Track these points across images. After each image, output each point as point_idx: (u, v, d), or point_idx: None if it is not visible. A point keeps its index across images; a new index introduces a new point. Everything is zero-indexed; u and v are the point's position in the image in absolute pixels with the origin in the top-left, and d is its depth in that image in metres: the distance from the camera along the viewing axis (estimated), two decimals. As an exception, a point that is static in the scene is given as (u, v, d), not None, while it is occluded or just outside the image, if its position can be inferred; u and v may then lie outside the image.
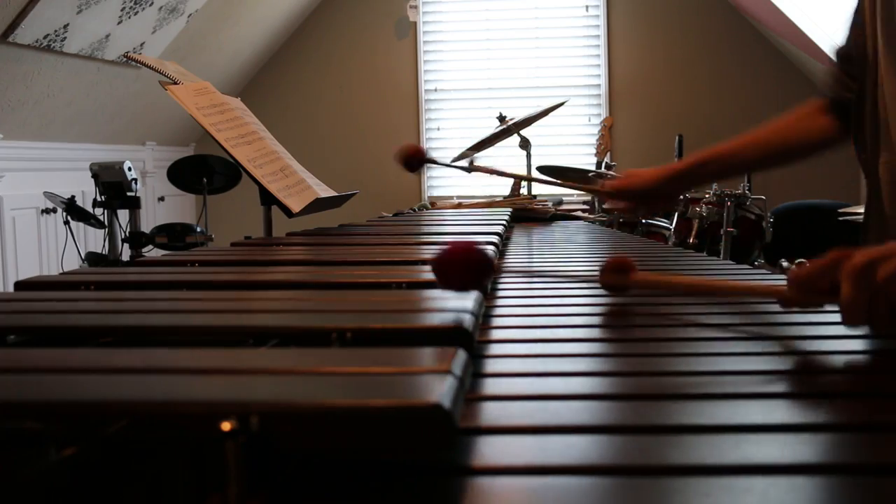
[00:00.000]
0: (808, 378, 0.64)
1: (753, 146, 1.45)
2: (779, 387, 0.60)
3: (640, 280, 0.88)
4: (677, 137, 3.82)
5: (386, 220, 2.22)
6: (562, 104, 3.59)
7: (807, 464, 0.44)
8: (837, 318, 0.71)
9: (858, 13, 1.24)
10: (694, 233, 3.29)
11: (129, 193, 3.27)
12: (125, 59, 3.68)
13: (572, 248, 1.57)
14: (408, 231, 1.78)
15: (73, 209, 3.29)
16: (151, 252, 3.44)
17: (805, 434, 0.48)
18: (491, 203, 2.80)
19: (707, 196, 3.30)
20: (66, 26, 3.18)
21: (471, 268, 0.74)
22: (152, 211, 4.57)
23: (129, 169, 3.25)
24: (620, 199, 1.52)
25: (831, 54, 1.35)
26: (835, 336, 0.78)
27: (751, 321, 0.84)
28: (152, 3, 3.56)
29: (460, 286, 0.75)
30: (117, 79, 3.86)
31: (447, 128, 5.27)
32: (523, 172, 3.38)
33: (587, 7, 5.15)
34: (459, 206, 2.91)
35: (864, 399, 0.57)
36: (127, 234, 3.34)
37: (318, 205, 1.81)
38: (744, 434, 0.47)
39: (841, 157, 1.52)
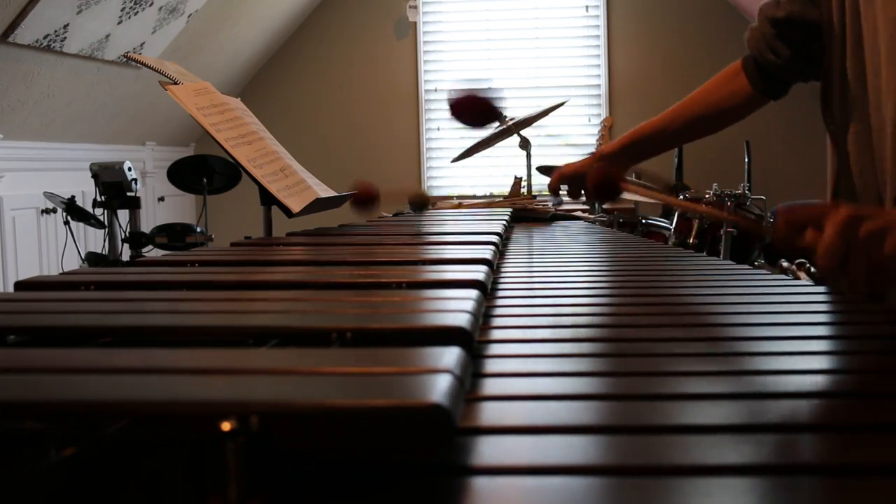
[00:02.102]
0: (808, 378, 0.64)
1: (680, 117, 1.48)
2: (779, 387, 0.60)
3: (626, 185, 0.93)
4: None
5: (386, 220, 2.22)
6: (562, 104, 3.59)
7: (807, 464, 0.44)
8: (838, 318, 0.71)
9: None
10: (694, 233, 3.29)
11: (129, 193, 3.28)
12: (125, 59, 3.68)
13: (572, 249, 1.57)
14: (408, 231, 1.78)
15: (73, 209, 3.29)
16: (151, 252, 3.44)
17: (805, 434, 0.48)
18: (491, 203, 2.80)
19: (707, 196, 3.30)
20: (66, 26, 3.18)
21: (479, 108, 0.78)
22: (152, 211, 4.57)
23: (129, 169, 3.25)
24: (567, 185, 1.56)
25: (760, 13, 1.34)
26: (834, 336, 0.78)
27: (751, 321, 0.84)
28: (152, 3, 3.56)
29: (470, 121, 0.78)
30: (117, 79, 3.86)
31: (447, 128, 5.27)
32: (522, 174, 3.38)
33: (587, 7, 5.15)
34: (459, 206, 2.91)
35: (864, 399, 0.57)
36: (127, 234, 3.34)
37: (318, 205, 1.81)
38: (744, 434, 0.47)
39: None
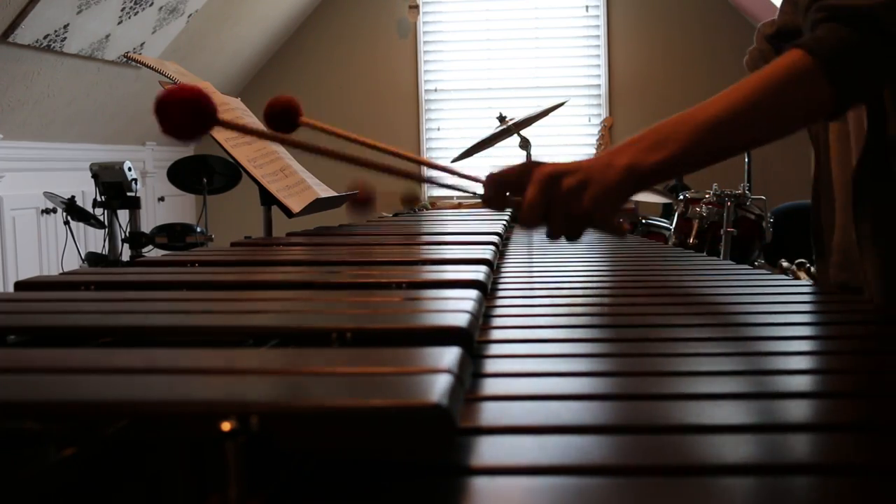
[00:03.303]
0: (808, 378, 0.64)
1: None
2: (779, 387, 0.60)
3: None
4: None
5: (386, 220, 2.22)
6: (562, 104, 3.59)
7: (807, 464, 0.44)
8: (838, 318, 0.71)
9: None
10: (694, 233, 3.29)
11: (129, 193, 3.27)
12: (125, 60, 3.68)
13: (572, 249, 1.57)
14: (408, 231, 1.78)
15: (73, 209, 3.29)
16: (151, 252, 3.44)
17: (805, 434, 0.48)
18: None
19: (707, 196, 3.30)
20: (66, 26, 3.18)
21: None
22: (152, 211, 4.57)
23: (129, 169, 3.25)
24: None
25: (756, 34, 1.35)
26: (834, 336, 0.78)
27: (750, 321, 0.84)
28: (152, 3, 3.56)
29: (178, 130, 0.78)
30: (117, 79, 3.86)
31: (447, 128, 5.27)
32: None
33: (587, 7, 5.15)
34: (459, 206, 2.91)
35: (865, 399, 0.57)
36: (127, 234, 3.34)
37: (318, 205, 1.81)
38: (744, 434, 0.47)
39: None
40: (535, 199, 0.82)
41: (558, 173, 0.82)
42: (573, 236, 0.84)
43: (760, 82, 0.85)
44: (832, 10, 0.85)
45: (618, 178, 0.83)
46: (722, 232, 3.20)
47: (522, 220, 0.83)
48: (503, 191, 0.87)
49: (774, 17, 1.31)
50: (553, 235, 0.84)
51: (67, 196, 3.33)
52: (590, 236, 1.78)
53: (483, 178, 0.90)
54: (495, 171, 0.87)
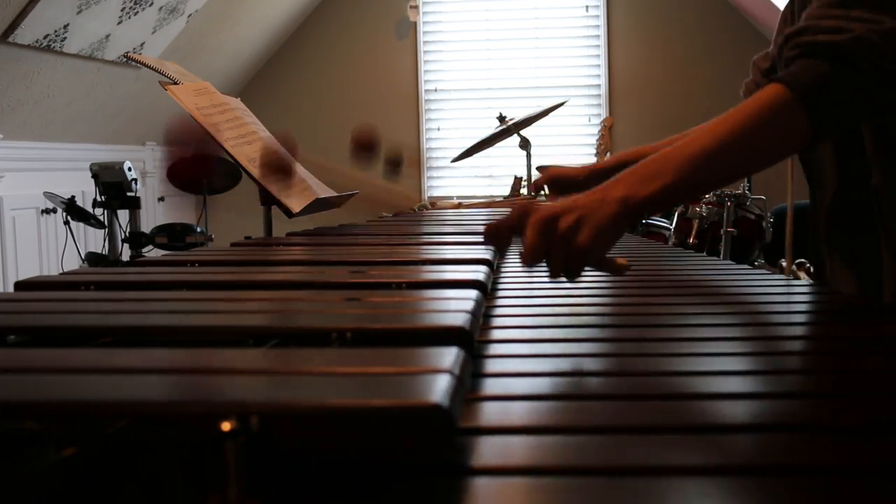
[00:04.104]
0: (808, 378, 0.64)
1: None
2: (779, 386, 0.60)
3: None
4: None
5: (386, 220, 2.22)
6: (562, 104, 3.59)
7: (807, 464, 0.44)
8: (836, 318, 0.71)
9: (784, 21, 1.24)
10: (694, 233, 3.29)
11: (129, 193, 3.27)
12: (125, 59, 3.68)
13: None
14: (408, 231, 1.78)
15: (73, 209, 3.29)
16: (151, 252, 3.44)
17: (805, 434, 0.48)
18: (491, 203, 2.80)
19: (707, 196, 3.30)
20: (66, 26, 3.18)
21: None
22: (152, 211, 4.57)
23: (129, 169, 3.25)
24: (552, 189, 1.59)
25: (752, 66, 1.35)
26: (833, 336, 0.78)
27: (750, 321, 0.84)
28: (152, 3, 3.56)
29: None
30: (117, 79, 3.86)
31: (447, 128, 5.27)
32: (522, 173, 3.38)
33: (587, 7, 5.15)
34: (459, 206, 2.91)
35: (865, 399, 0.57)
36: (127, 234, 3.34)
37: (318, 205, 1.81)
38: (743, 434, 0.47)
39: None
40: (535, 242, 0.84)
41: (554, 215, 0.84)
42: (573, 274, 0.86)
43: (743, 115, 0.90)
44: (807, 46, 0.91)
45: (613, 212, 0.85)
46: (722, 232, 3.20)
47: (525, 261, 0.85)
48: (504, 236, 0.90)
49: (775, 17, 1.31)
50: (553, 274, 0.86)
51: (67, 196, 3.33)
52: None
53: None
54: (493, 222, 0.90)
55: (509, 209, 0.97)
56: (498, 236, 0.90)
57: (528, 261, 0.85)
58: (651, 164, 0.89)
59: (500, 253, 0.92)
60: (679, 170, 0.87)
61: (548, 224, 0.84)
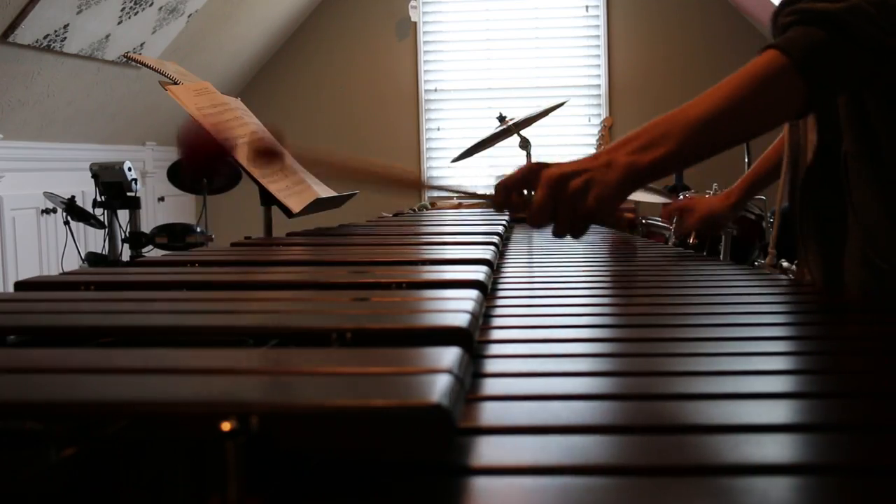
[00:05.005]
0: (808, 378, 0.64)
1: (777, 155, 1.51)
2: (779, 386, 0.60)
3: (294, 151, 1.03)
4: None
5: (386, 220, 2.22)
6: (562, 104, 3.59)
7: (807, 464, 0.44)
8: (836, 318, 0.71)
9: None
10: (694, 233, 3.28)
11: (129, 193, 3.27)
12: (125, 60, 3.68)
13: (572, 249, 1.57)
14: (408, 231, 1.78)
15: (73, 209, 3.29)
16: (151, 252, 3.44)
17: (805, 434, 0.48)
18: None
19: (707, 196, 3.30)
20: (66, 26, 3.18)
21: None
22: (152, 211, 4.56)
23: (129, 169, 3.25)
24: (683, 220, 1.63)
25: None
26: (833, 337, 0.78)
27: (750, 321, 0.84)
28: (152, 3, 3.56)
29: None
30: (117, 79, 3.86)
31: (447, 128, 5.27)
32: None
33: (587, 7, 5.15)
34: (459, 206, 2.91)
35: (865, 399, 0.57)
36: (127, 234, 3.34)
37: (318, 205, 1.81)
38: (744, 434, 0.47)
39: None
40: (545, 200, 0.88)
41: (565, 176, 0.88)
42: (578, 233, 0.90)
43: (739, 81, 0.92)
44: (802, 14, 0.92)
45: (619, 176, 0.89)
46: (722, 232, 3.20)
47: (532, 220, 0.89)
48: (512, 194, 0.94)
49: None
50: (559, 234, 0.90)
51: (67, 196, 3.33)
52: (590, 236, 1.78)
53: (478, 192, 0.96)
54: (502, 177, 0.93)
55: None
56: (507, 194, 0.93)
57: (537, 219, 0.88)
58: (654, 128, 0.92)
59: (509, 211, 0.97)
60: (680, 137, 0.90)
61: (559, 183, 0.88)
